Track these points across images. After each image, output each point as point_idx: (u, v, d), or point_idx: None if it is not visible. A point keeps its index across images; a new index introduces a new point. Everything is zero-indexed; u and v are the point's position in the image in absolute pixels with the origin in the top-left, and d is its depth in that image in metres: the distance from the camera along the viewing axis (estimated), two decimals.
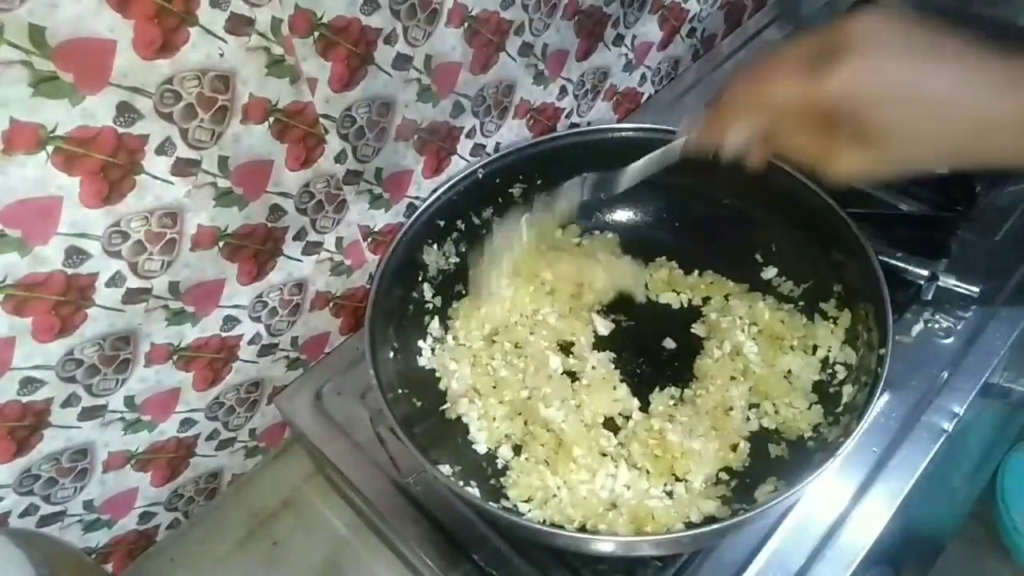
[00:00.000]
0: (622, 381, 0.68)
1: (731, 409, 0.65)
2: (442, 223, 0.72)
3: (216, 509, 0.74)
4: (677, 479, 0.61)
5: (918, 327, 0.71)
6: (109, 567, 0.70)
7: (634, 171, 0.60)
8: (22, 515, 0.60)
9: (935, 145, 0.42)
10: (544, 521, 0.59)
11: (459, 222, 0.74)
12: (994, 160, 0.42)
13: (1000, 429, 1.07)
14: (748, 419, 0.65)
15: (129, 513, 0.68)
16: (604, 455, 0.63)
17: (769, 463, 0.63)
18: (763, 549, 0.60)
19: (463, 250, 0.75)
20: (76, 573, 0.55)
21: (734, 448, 0.63)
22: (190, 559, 0.71)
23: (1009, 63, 0.41)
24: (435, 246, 0.72)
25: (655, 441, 0.62)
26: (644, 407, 0.67)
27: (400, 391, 0.64)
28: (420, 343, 0.71)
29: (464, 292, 0.76)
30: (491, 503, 0.57)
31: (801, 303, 0.71)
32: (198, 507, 0.74)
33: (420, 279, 0.71)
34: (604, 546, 0.55)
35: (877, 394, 0.55)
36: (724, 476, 0.62)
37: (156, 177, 0.54)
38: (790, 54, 0.45)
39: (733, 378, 0.66)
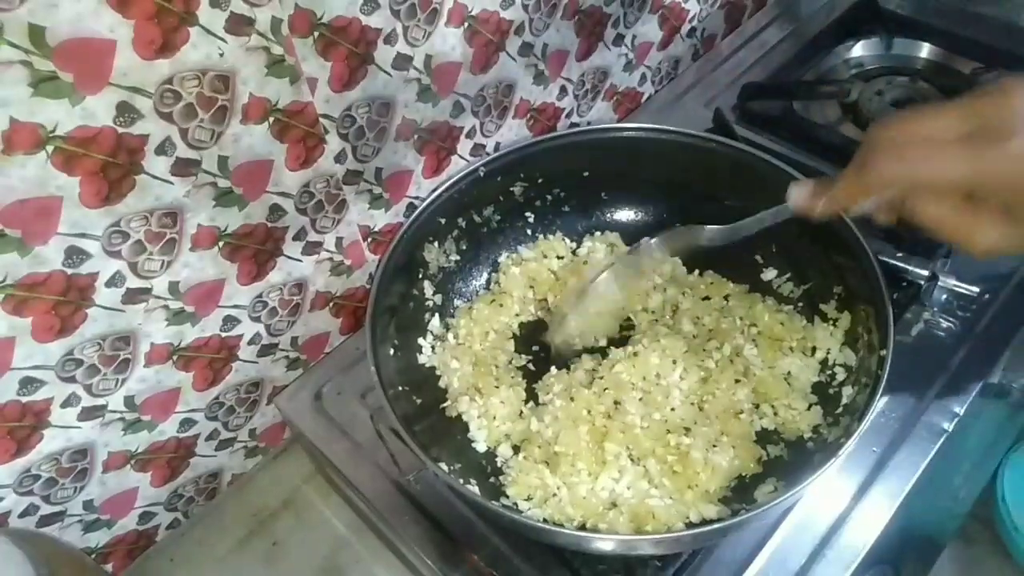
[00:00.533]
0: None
1: (740, 412, 0.65)
2: (443, 221, 0.72)
3: (216, 509, 0.74)
4: (688, 487, 0.61)
5: (918, 327, 0.71)
6: (109, 567, 0.70)
7: (738, 228, 0.62)
8: (22, 515, 0.60)
9: None
10: (544, 520, 0.59)
11: (460, 220, 0.74)
12: None
13: (1000, 429, 1.07)
14: (752, 421, 0.65)
15: (129, 513, 0.68)
16: (610, 463, 0.63)
17: (769, 463, 0.62)
18: (763, 549, 0.60)
19: (463, 248, 0.75)
20: (76, 573, 0.55)
21: (759, 461, 0.62)
22: (190, 559, 0.71)
23: None
24: (436, 244, 0.72)
25: (674, 457, 0.62)
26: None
27: (400, 388, 0.64)
28: (420, 340, 0.71)
29: (464, 291, 0.76)
30: (491, 501, 0.57)
31: (801, 304, 0.71)
32: (198, 507, 0.74)
33: (421, 276, 0.72)
34: (604, 544, 0.55)
35: (878, 396, 0.55)
36: None
37: (156, 177, 0.54)
38: (939, 123, 0.42)
39: (738, 380, 0.66)
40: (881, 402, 0.65)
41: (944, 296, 0.72)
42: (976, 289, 0.71)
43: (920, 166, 0.43)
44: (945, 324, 0.71)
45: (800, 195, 0.53)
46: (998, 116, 0.40)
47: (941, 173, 0.42)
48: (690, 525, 0.57)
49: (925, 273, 0.70)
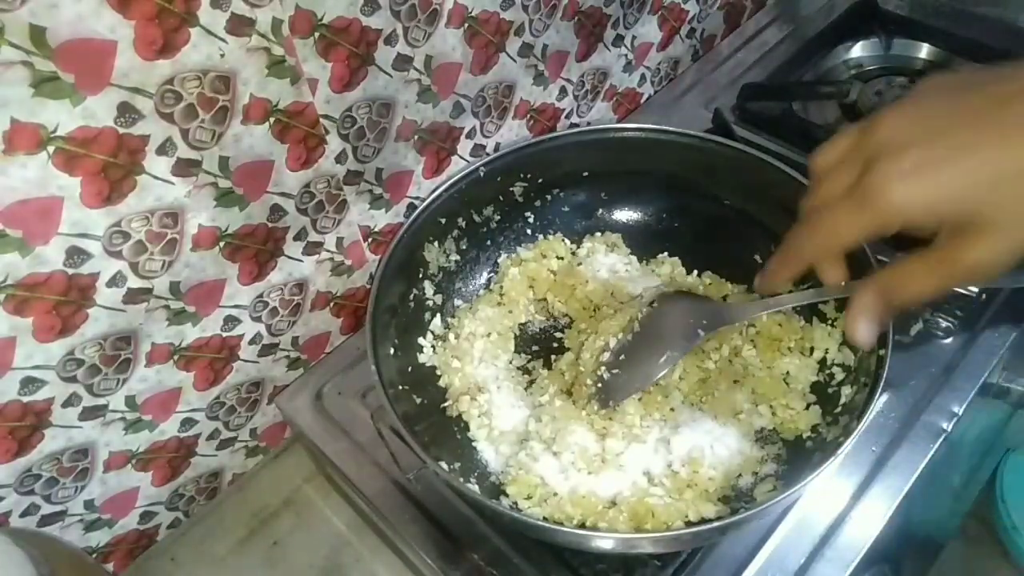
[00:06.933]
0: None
1: (739, 413, 0.65)
2: (443, 220, 0.72)
3: (217, 509, 0.74)
4: (687, 486, 0.61)
5: (917, 327, 0.71)
6: (110, 566, 0.70)
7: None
8: (23, 515, 0.60)
9: None
10: (544, 518, 0.59)
11: (460, 220, 0.74)
12: None
13: (1000, 429, 1.07)
14: (751, 421, 0.65)
15: (130, 513, 0.68)
16: (609, 461, 0.63)
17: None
18: (762, 548, 0.60)
19: (464, 248, 0.75)
20: (77, 573, 0.55)
21: (761, 461, 0.63)
22: (191, 558, 0.71)
23: None
24: (436, 243, 0.72)
25: (681, 461, 0.62)
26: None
27: (401, 387, 0.64)
28: (421, 340, 0.71)
29: (464, 291, 0.76)
30: (491, 500, 0.57)
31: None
32: (199, 507, 0.74)
33: (421, 276, 0.72)
34: (604, 543, 0.55)
35: (876, 395, 0.55)
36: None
37: (157, 177, 0.54)
38: (833, 164, 0.41)
39: (736, 381, 0.66)
40: (880, 402, 0.66)
41: (943, 296, 0.72)
42: (975, 289, 0.71)
43: (827, 238, 0.42)
44: (944, 324, 0.71)
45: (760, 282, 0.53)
46: (867, 143, 0.39)
47: (842, 236, 0.41)
48: (689, 524, 0.57)
49: None
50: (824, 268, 0.47)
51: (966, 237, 0.37)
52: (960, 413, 0.65)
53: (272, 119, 0.59)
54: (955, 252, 0.38)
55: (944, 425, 0.65)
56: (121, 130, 0.51)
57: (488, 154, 0.79)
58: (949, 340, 0.70)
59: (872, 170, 0.38)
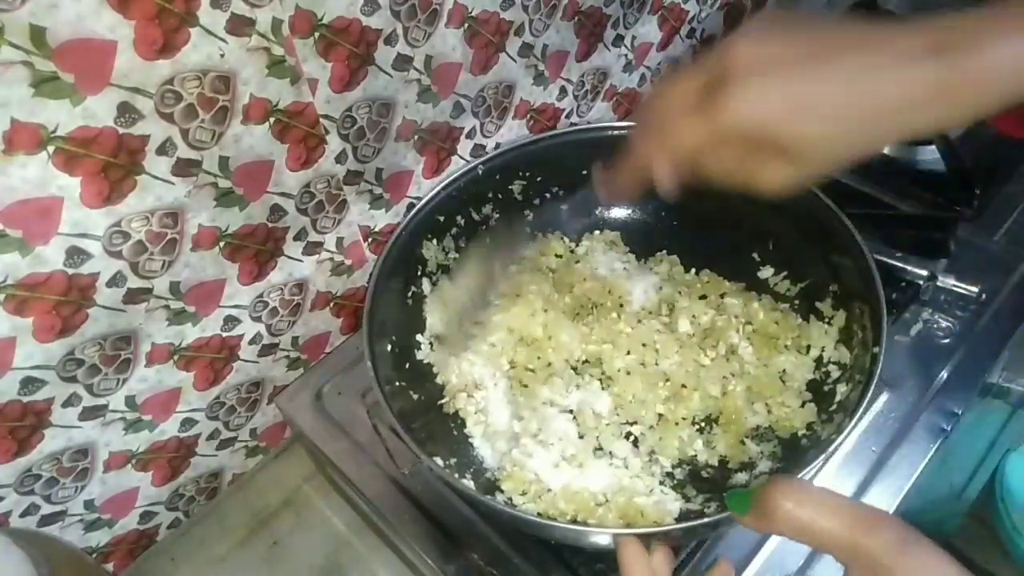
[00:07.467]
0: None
1: (735, 410, 0.65)
2: (442, 218, 0.72)
3: (217, 508, 0.74)
4: (681, 483, 0.61)
5: (917, 327, 0.71)
6: (110, 566, 0.70)
7: None
8: (23, 515, 0.60)
9: (859, 140, 0.41)
10: (538, 514, 0.59)
11: (459, 218, 0.74)
12: (923, 130, 0.40)
13: (1000, 429, 1.07)
14: (746, 418, 0.65)
15: (130, 513, 0.68)
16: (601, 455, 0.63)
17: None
18: (762, 548, 0.60)
19: (462, 245, 0.75)
20: (77, 573, 0.55)
21: (756, 458, 0.63)
22: (191, 558, 0.71)
23: (902, 36, 0.39)
24: (434, 241, 0.72)
25: (684, 459, 0.63)
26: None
27: (397, 384, 0.64)
28: (419, 337, 0.71)
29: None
30: (486, 496, 0.57)
31: (797, 302, 0.71)
32: (199, 506, 0.74)
33: (419, 273, 0.72)
34: (599, 538, 0.55)
35: (870, 393, 0.55)
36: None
37: (157, 177, 0.54)
38: (679, 88, 0.44)
39: (733, 375, 0.66)
40: (880, 401, 0.66)
41: (943, 296, 0.72)
42: (975, 289, 0.71)
43: (665, 138, 0.45)
44: (944, 324, 0.71)
45: (598, 180, 0.53)
46: (718, 68, 0.42)
47: (683, 140, 0.44)
48: (679, 520, 0.57)
49: (924, 273, 0.70)
50: (659, 173, 0.47)
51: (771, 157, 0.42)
52: (960, 413, 0.65)
53: (272, 119, 0.59)
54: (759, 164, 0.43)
55: (944, 425, 0.65)
56: (121, 130, 0.51)
57: (488, 154, 0.79)
58: (949, 340, 0.70)
59: (726, 84, 0.41)
